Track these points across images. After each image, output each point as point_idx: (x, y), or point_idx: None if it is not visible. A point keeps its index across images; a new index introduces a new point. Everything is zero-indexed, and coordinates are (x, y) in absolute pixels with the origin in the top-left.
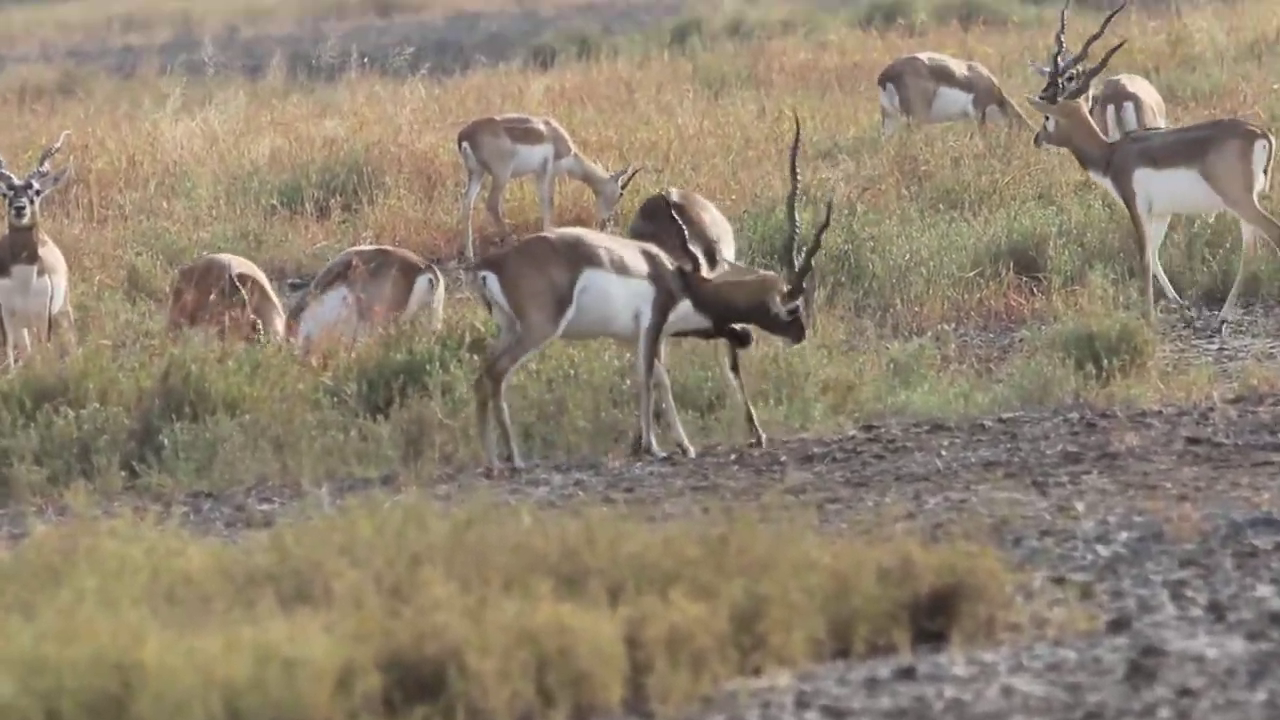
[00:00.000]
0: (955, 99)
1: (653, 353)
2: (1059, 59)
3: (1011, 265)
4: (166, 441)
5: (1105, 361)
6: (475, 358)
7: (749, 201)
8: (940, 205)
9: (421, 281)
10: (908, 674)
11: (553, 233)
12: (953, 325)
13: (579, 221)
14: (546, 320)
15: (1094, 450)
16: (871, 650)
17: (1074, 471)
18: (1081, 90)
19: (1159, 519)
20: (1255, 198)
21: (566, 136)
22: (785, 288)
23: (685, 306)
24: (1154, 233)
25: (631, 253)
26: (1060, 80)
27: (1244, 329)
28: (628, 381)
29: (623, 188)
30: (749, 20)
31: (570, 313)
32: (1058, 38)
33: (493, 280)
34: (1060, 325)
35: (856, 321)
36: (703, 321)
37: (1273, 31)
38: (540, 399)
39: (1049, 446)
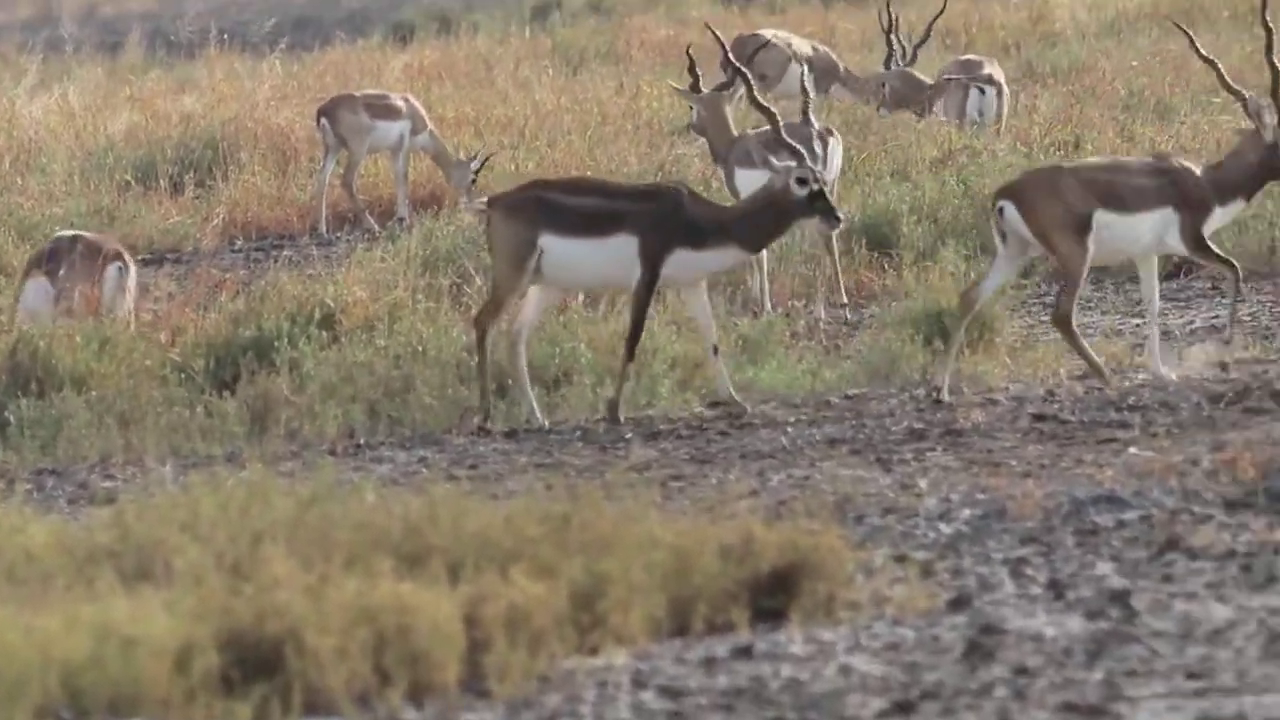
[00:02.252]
0: (800, 75)
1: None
2: (892, 46)
3: (864, 241)
4: (12, 418)
5: None
6: (324, 334)
7: (607, 177)
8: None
9: (111, 270)
10: (745, 652)
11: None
12: (802, 302)
13: (433, 199)
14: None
15: (939, 427)
16: (710, 629)
17: (919, 449)
18: (728, 85)
19: (1002, 496)
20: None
21: (424, 113)
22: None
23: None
24: None
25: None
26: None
27: (1093, 305)
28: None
29: (476, 172)
30: None
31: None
32: (890, 31)
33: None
34: (910, 302)
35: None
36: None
37: (1133, 8)
38: (387, 375)
39: (894, 424)
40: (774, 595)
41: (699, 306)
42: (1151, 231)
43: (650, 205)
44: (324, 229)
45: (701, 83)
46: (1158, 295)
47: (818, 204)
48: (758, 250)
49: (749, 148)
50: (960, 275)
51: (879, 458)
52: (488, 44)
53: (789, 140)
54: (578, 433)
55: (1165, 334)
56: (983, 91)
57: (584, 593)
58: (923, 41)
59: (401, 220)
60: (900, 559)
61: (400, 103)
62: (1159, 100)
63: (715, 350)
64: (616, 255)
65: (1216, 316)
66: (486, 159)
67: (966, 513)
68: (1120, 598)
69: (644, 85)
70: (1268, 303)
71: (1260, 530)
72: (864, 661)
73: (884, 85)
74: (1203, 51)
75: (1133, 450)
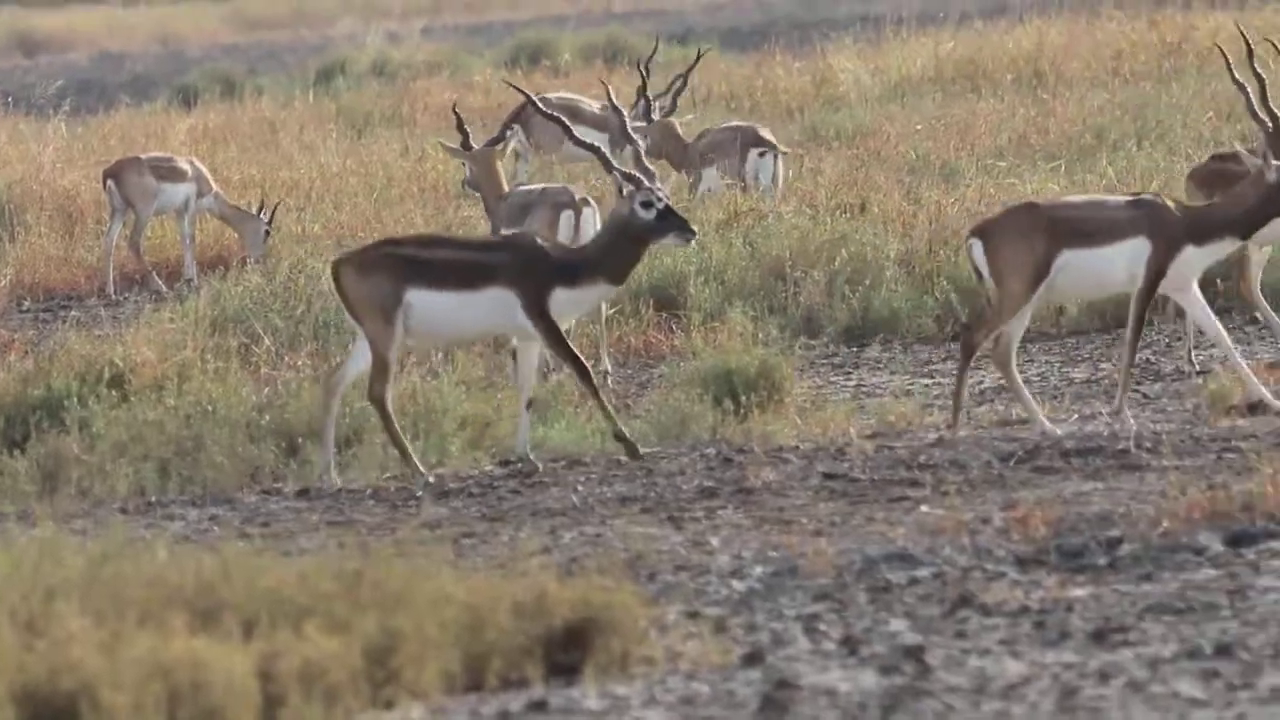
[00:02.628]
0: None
1: None
2: (650, 116)
3: (652, 303)
4: None
5: (743, 397)
6: (114, 394)
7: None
8: None
9: None
10: (540, 707)
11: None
12: (593, 362)
13: (220, 260)
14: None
15: (730, 485)
16: (505, 684)
17: (710, 506)
18: (499, 140)
19: (794, 554)
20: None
21: (209, 176)
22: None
23: None
24: None
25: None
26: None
27: (882, 365)
28: (265, 417)
29: (268, 224)
30: (394, 61)
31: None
32: (641, 88)
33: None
34: (699, 362)
35: (495, 358)
36: None
37: (916, 73)
38: (178, 434)
39: (685, 482)
40: (568, 651)
41: (528, 359)
42: (1124, 265)
43: (515, 255)
44: (112, 290)
45: (471, 139)
46: (1218, 323)
47: (668, 221)
48: (622, 280)
49: (519, 203)
50: (748, 335)
51: (670, 515)
52: (272, 107)
53: (622, 170)
54: (369, 491)
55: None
56: (762, 155)
57: (378, 648)
58: (679, 91)
59: (189, 281)
60: (693, 615)
61: (186, 165)
62: (944, 163)
63: (529, 405)
64: (491, 308)
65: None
66: (274, 209)
67: (759, 570)
68: (914, 653)
69: (429, 148)
70: (1055, 363)
71: (1052, 587)
72: (659, 716)
73: (644, 137)
74: (1236, 76)
75: (924, 508)
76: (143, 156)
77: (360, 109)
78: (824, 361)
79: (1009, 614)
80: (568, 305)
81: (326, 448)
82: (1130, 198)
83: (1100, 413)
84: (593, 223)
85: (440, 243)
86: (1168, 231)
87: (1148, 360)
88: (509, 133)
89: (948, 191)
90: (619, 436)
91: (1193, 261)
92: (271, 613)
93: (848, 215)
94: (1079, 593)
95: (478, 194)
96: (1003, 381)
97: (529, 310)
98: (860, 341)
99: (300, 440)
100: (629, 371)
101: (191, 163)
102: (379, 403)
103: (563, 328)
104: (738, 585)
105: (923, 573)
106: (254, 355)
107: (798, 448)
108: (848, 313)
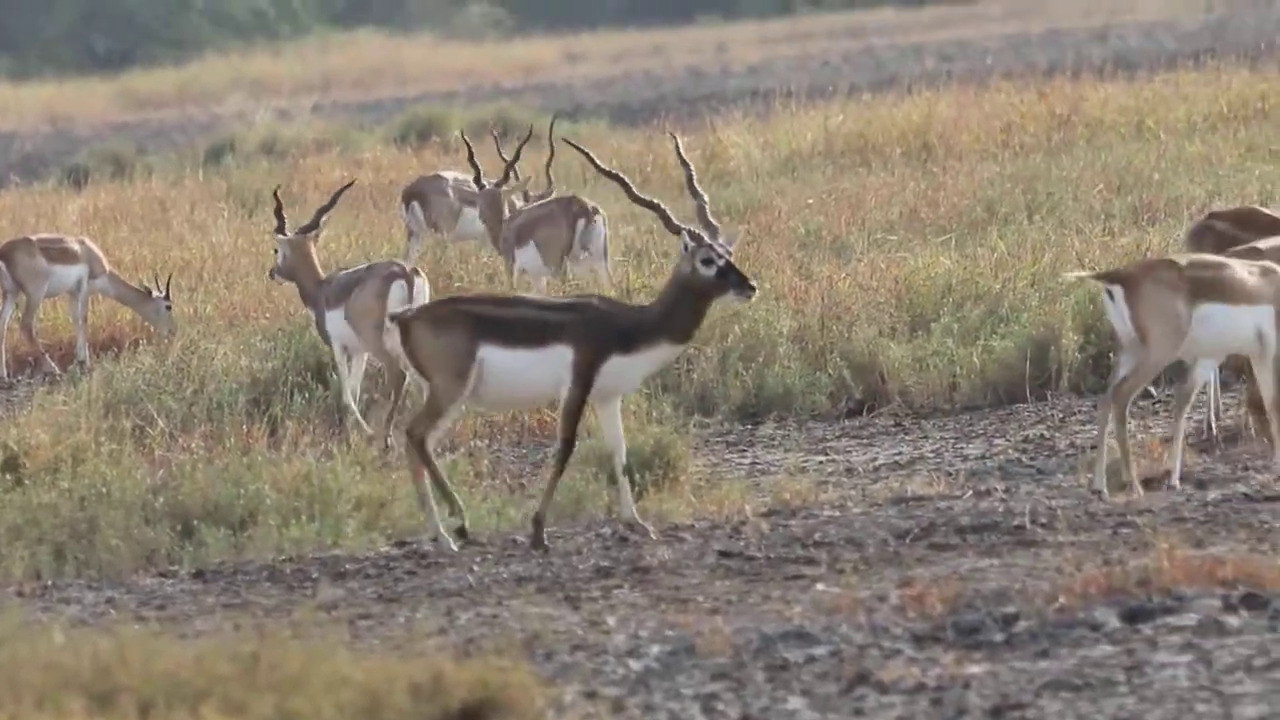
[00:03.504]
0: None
1: None
2: (481, 182)
3: None
4: None
5: (638, 476)
6: (8, 477)
7: (283, 320)
8: None
9: None
10: None
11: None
12: (486, 441)
13: (113, 341)
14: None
15: (626, 564)
16: None
17: (606, 586)
18: (313, 227)
19: (691, 633)
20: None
21: (101, 256)
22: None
23: None
24: (352, 370)
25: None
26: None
27: (776, 442)
28: (160, 499)
29: (167, 299)
30: (283, 139)
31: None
32: (471, 161)
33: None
34: (594, 441)
35: (390, 438)
36: None
37: (806, 146)
38: (72, 517)
39: (581, 561)
40: None
41: (612, 422)
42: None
43: (582, 314)
44: (4, 373)
45: (286, 226)
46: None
47: (728, 278)
48: (688, 339)
49: (343, 283)
50: (642, 414)
51: (567, 595)
52: (162, 186)
53: (680, 225)
54: (264, 573)
55: (849, 470)
56: (588, 224)
57: None
58: (514, 161)
59: (82, 363)
60: (591, 695)
61: (77, 246)
62: (835, 237)
63: (626, 471)
64: (554, 367)
65: (900, 453)
66: (168, 281)
67: (656, 649)
68: None
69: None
70: (950, 439)
71: (949, 664)
72: None
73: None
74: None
75: (820, 586)
76: (33, 238)
77: (250, 187)
78: (718, 439)
79: (906, 691)
80: (628, 370)
81: (430, 511)
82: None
83: (995, 489)
84: (424, 293)
85: (512, 301)
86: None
87: (1042, 435)
88: (323, 219)
89: (839, 266)
90: (538, 521)
91: None
92: (168, 695)
93: None
94: (976, 670)
95: (290, 281)
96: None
97: (576, 368)
98: (754, 419)
99: (195, 522)
100: (523, 451)
101: (83, 243)
102: (419, 443)
103: (626, 392)
104: (635, 665)
105: (820, 651)
106: (148, 437)
107: (693, 526)
108: (741, 390)
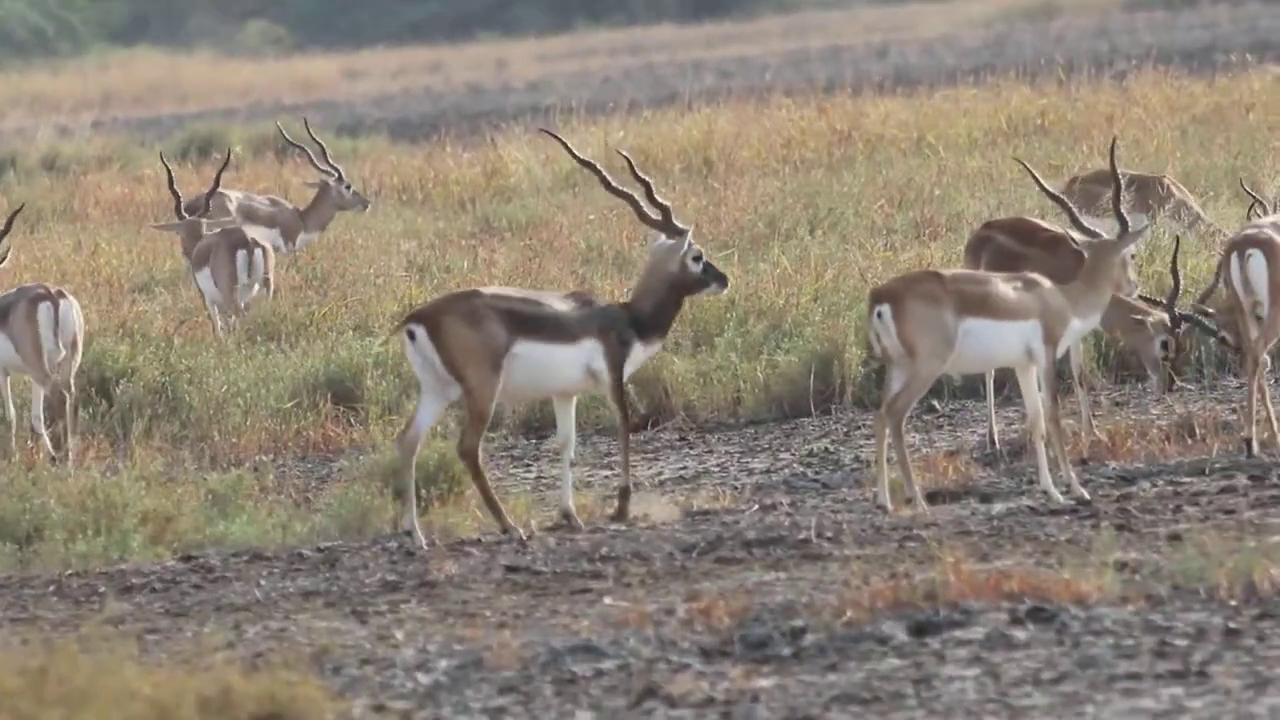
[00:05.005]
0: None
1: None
2: (181, 212)
3: (329, 396)
4: None
5: (423, 490)
6: None
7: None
8: (258, 337)
9: None
10: None
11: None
12: (271, 456)
13: None
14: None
15: (413, 579)
16: None
17: (393, 600)
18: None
19: (479, 647)
20: (47, 360)
21: None
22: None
23: None
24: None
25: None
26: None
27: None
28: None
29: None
30: (64, 155)
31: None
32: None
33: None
34: (379, 455)
35: (175, 453)
36: None
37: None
38: None
39: (368, 575)
40: None
41: (568, 419)
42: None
43: (601, 309)
44: None
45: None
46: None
47: (709, 273)
48: (665, 336)
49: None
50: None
51: (354, 609)
52: None
53: (677, 225)
54: (51, 587)
55: (638, 485)
56: (250, 252)
57: None
58: (212, 192)
59: None
60: (379, 709)
61: None
62: (618, 253)
63: (572, 464)
64: (585, 360)
65: (685, 468)
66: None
67: (444, 663)
68: None
69: (102, 243)
70: (735, 453)
71: (737, 678)
72: None
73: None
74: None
75: (608, 600)
76: None
77: (32, 204)
78: (503, 454)
79: (695, 705)
80: (636, 361)
81: (409, 506)
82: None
83: (781, 503)
84: (71, 315)
85: (534, 296)
86: None
87: (826, 449)
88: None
89: (621, 282)
90: (625, 494)
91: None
92: None
93: None
94: (764, 683)
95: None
96: (684, 472)
97: (610, 360)
98: (539, 433)
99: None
100: (309, 465)
101: None
102: (471, 456)
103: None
104: (423, 679)
105: (608, 664)
106: None
107: (480, 540)
108: (526, 405)
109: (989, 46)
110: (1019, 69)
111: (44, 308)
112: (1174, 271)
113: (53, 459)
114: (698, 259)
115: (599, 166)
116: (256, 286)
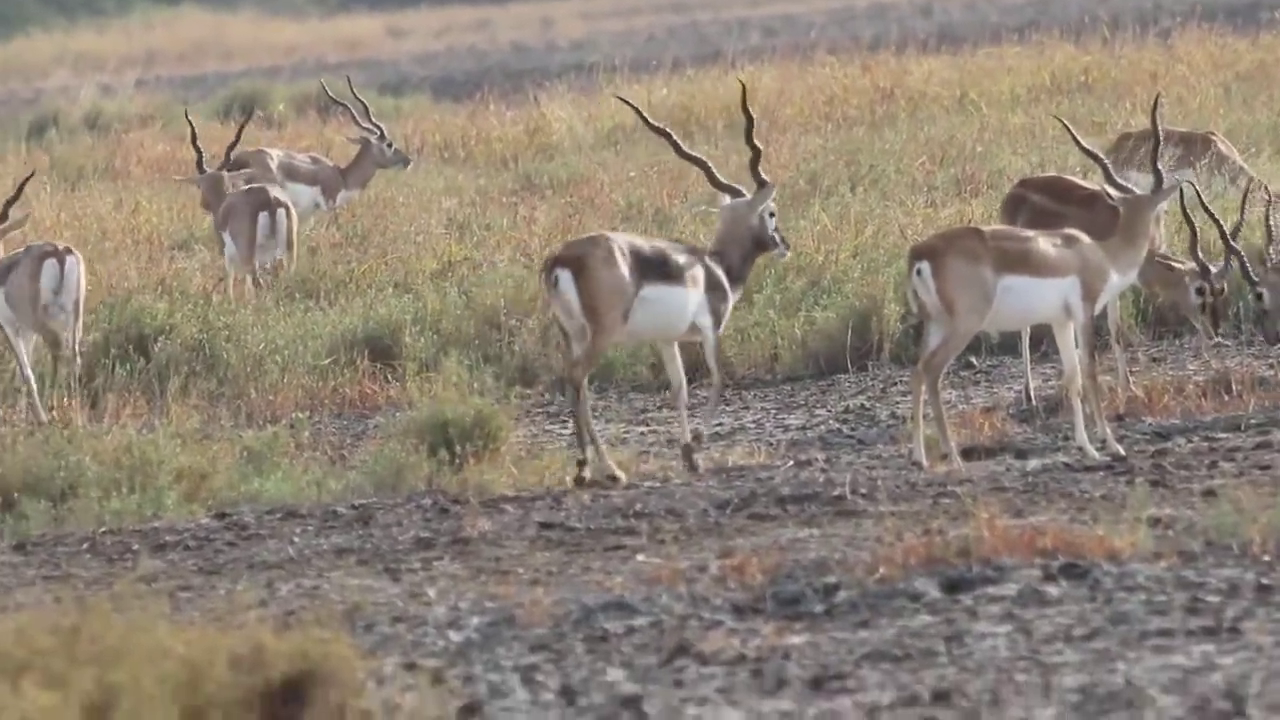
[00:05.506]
0: (303, 193)
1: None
2: (202, 166)
3: (367, 353)
4: None
5: (459, 447)
6: None
7: (105, 292)
8: (297, 294)
9: None
10: None
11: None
12: (307, 413)
13: None
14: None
15: (446, 536)
16: None
17: (426, 557)
18: (2, 218)
19: (510, 604)
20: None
21: None
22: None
23: None
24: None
25: None
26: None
27: (597, 413)
28: None
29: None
30: (107, 113)
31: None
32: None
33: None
34: (415, 412)
35: (211, 410)
36: None
37: (630, 120)
38: None
39: (402, 533)
40: (286, 704)
41: (674, 359)
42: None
43: (708, 258)
44: None
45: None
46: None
47: (777, 232)
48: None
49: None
50: (463, 385)
51: (387, 567)
52: None
53: (728, 183)
54: (85, 545)
55: (670, 441)
56: (273, 213)
57: (96, 704)
58: (233, 145)
59: None
60: (410, 667)
61: None
62: (658, 210)
63: (688, 407)
64: (694, 306)
65: (721, 424)
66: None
67: (475, 620)
68: (632, 703)
69: (142, 201)
70: (771, 409)
71: (769, 635)
72: None
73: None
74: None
75: (640, 557)
76: None
77: (74, 162)
78: (539, 410)
79: (726, 662)
80: (728, 309)
81: (585, 447)
82: None
83: (816, 459)
84: (77, 271)
85: (656, 244)
86: None
87: (862, 406)
88: (11, 210)
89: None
90: (693, 443)
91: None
92: None
93: None
94: (796, 640)
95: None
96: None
97: (712, 311)
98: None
99: (15, 494)
100: (344, 423)
101: None
102: (577, 385)
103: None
104: (455, 636)
105: (640, 622)
106: None
107: (515, 497)
108: (562, 361)
109: (1033, 4)
110: (1063, 27)
111: (49, 265)
112: (1189, 221)
113: (39, 423)
114: (773, 215)
115: (671, 133)
116: (279, 249)
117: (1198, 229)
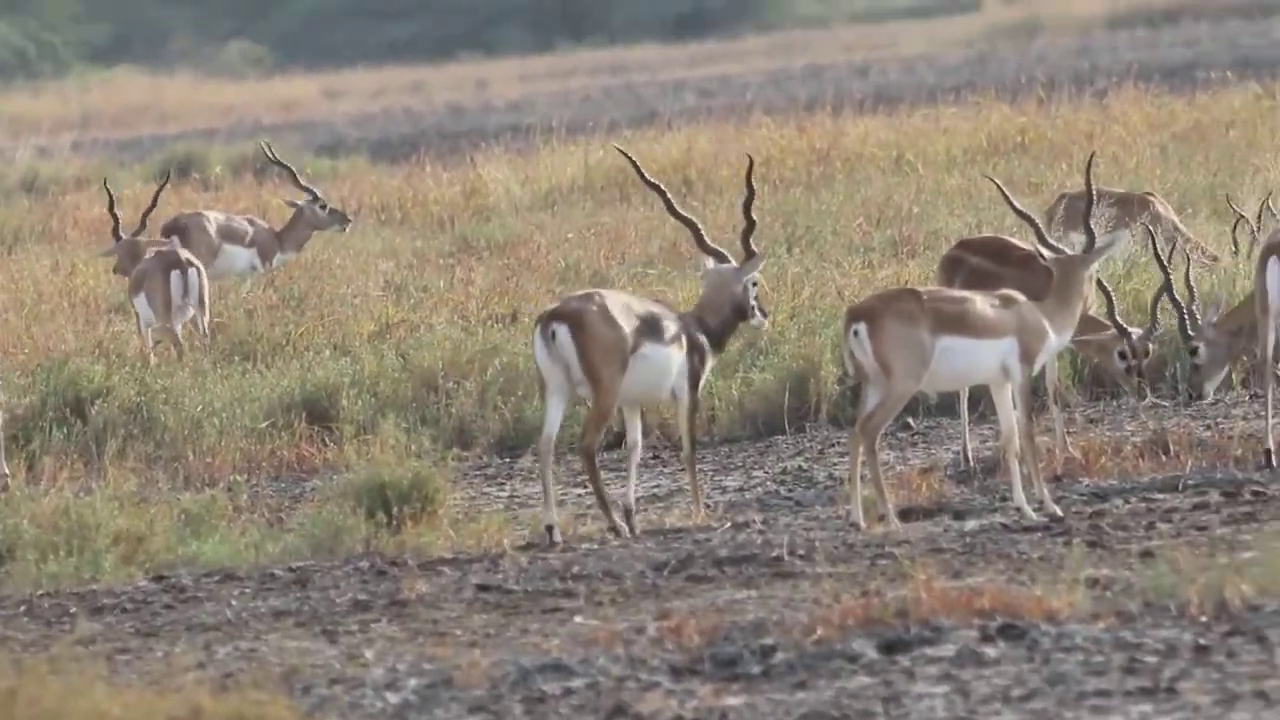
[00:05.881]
0: (239, 255)
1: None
2: (118, 233)
3: (304, 415)
4: None
5: (396, 510)
6: None
7: (42, 355)
8: (235, 356)
9: None
10: None
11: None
12: (245, 476)
13: None
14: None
15: (384, 598)
16: None
17: (364, 619)
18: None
19: (448, 666)
20: None
21: None
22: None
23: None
24: None
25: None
26: None
27: (535, 476)
28: None
29: None
30: (43, 175)
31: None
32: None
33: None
34: (352, 475)
35: (149, 473)
36: None
37: (566, 181)
38: None
39: (339, 595)
40: None
41: (635, 423)
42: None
43: (692, 324)
44: None
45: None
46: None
47: (757, 302)
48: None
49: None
50: (400, 447)
51: (325, 629)
52: None
53: (715, 247)
54: (22, 607)
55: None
56: (184, 273)
57: None
58: (150, 209)
59: None
60: None
61: None
62: (595, 271)
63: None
64: (677, 369)
65: (658, 485)
66: None
67: (414, 682)
68: None
69: (79, 263)
70: (709, 471)
71: (707, 696)
72: None
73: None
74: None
75: (578, 619)
76: None
77: (10, 224)
78: (477, 473)
79: None
80: (704, 376)
81: (550, 507)
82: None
83: (753, 521)
84: None
85: (650, 304)
86: None
87: (800, 467)
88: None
89: None
90: (631, 507)
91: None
92: None
93: (499, 325)
94: (734, 701)
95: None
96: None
97: (691, 374)
98: (513, 452)
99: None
100: (282, 485)
101: None
102: (589, 454)
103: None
104: (393, 698)
105: (577, 683)
106: None
107: (452, 559)
108: (500, 423)
109: (970, 65)
110: (999, 88)
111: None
112: (1102, 287)
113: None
114: (755, 285)
115: (664, 189)
116: (191, 308)
117: (1113, 298)
